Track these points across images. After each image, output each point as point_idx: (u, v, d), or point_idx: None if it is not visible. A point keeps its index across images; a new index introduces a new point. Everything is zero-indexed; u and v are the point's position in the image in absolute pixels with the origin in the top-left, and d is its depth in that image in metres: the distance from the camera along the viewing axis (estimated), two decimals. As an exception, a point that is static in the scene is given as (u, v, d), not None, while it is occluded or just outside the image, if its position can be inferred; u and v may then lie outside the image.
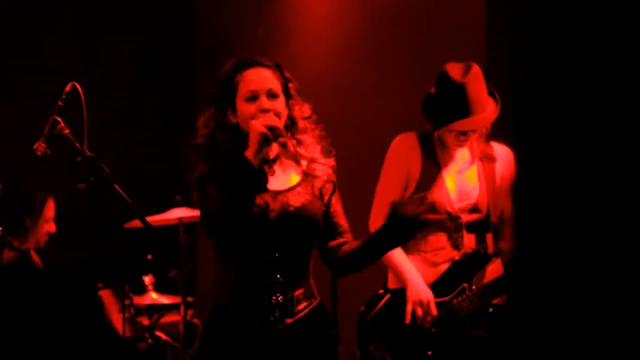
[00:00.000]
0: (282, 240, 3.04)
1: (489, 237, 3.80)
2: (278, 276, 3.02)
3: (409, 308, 3.75)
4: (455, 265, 3.77)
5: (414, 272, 3.78)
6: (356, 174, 5.15)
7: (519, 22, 5.25)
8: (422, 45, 5.45)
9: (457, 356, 3.75)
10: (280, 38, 6.36)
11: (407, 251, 3.86)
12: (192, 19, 6.89)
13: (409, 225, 2.92)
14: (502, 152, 3.88)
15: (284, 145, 3.00)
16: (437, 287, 3.78)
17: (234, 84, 3.06)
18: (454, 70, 3.72)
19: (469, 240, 3.79)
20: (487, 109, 3.71)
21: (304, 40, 6.24)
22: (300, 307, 3.07)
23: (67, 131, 3.01)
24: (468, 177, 3.82)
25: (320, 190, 3.15)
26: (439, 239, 3.80)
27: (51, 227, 5.20)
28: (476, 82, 3.69)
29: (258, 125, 2.96)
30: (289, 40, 6.32)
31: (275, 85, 3.08)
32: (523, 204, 4.60)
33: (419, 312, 3.72)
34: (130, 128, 6.07)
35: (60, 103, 3.03)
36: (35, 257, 5.05)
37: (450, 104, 3.71)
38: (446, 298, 3.77)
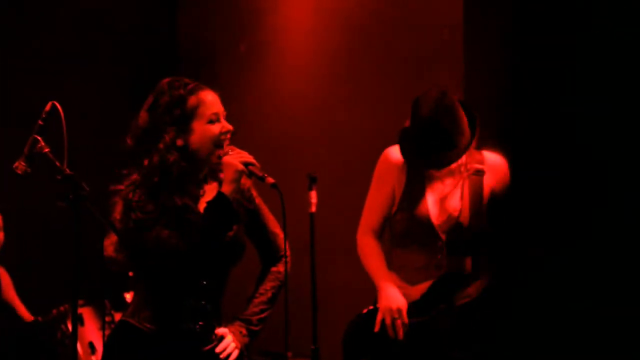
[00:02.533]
0: (212, 267, 3.05)
1: (469, 258, 3.79)
2: (201, 302, 3.03)
3: (379, 317, 3.74)
4: (435, 285, 3.76)
5: (388, 280, 3.76)
6: (339, 190, 5.17)
7: (498, 37, 5.30)
8: (403, 61, 5.48)
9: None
10: (262, 55, 6.38)
11: (389, 268, 3.86)
12: (176, 38, 6.90)
13: None
14: (493, 162, 3.83)
15: (262, 180, 2.99)
16: (417, 306, 3.76)
17: (188, 105, 3.02)
18: (425, 102, 3.63)
19: (449, 260, 3.79)
20: (458, 143, 3.66)
21: (286, 56, 6.27)
22: (214, 336, 3.09)
23: (47, 150, 3.01)
24: (452, 196, 3.81)
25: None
26: (420, 258, 3.80)
27: None
28: (446, 116, 3.61)
29: (235, 163, 2.96)
30: (270, 58, 6.34)
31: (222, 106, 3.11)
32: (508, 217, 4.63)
33: (387, 319, 3.70)
34: (111, 147, 6.06)
35: (40, 122, 3.05)
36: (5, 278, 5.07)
37: (419, 141, 3.67)
38: (426, 317, 3.76)
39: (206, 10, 6.73)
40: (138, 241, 2.95)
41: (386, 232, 3.90)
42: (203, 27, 6.82)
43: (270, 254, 3.26)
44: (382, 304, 3.73)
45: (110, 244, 3.09)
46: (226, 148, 3.03)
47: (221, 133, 3.03)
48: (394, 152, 3.83)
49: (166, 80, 3.10)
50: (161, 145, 3.00)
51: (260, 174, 2.98)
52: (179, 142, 3.01)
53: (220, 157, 3.01)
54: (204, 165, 3.07)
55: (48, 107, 3.04)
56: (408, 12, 5.45)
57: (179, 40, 6.89)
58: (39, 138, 3.02)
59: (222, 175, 3.02)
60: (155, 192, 2.97)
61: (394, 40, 5.55)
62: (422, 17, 5.39)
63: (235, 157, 2.98)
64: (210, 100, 3.05)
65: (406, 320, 3.68)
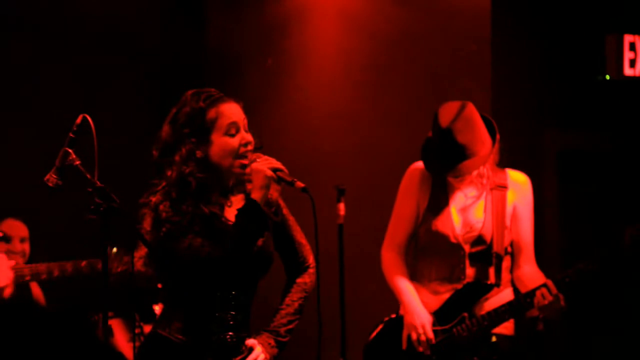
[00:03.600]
0: (242, 278, 3.06)
1: (491, 269, 3.81)
2: (231, 313, 3.04)
3: (405, 333, 3.76)
4: (456, 295, 3.78)
5: (413, 296, 3.79)
6: (366, 202, 5.17)
7: (526, 49, 5.29)
8: (430, 73, 5.48)
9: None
10: (289, 69, 6.40)
11: (411, 278, 3.88)
12: (202, 49, 6.93)
13: None
14: (516, 180, 3.88)
15: (291, 184, 3.01)
16: (438, 315, 3.79)
17: (207, 117, 3.02)
18: (445, 114, 3.72)
19: (472, 271, 3.80)
20: (478, 152, 3.70)
21: (312, 70, 6.28)
22: (244, 347, 3.09)
23: (78, 162, 3.03)
24: (475, 209, 3.83)
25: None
26: (442, 269, 3.82)
27: (16, 247, 5.19)
28: (465, 126, 3.68)
29: (264, 169, 2.97)
30: (297, 71, 6.36)
31: (245, 117, 3.10)
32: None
33: (413, 336, 3.73)
34: (141, 159, 6.09)
35: (71, 135, 3.07)
36: (36, 290, 5.06)
37: (439, 151, 3.73)
38: (447, 326, 3.78)
39: (233, 24, 6.75)
40: (169, 251, 2.96)
41: (411, 245, 3.92)
42: (230, 41, 6.85)
43: (296, 265, 3.27)
44: (407, 320, 3.75)
45: (139, 257, 3.10)
46: (253, 156, 3.04)
47: (240, 145, 3.04)
48: (419, 166, 3.87)
49: (190, 92, 3.11)
50: (177, 158, 3.01)
51: (290, 179, 2.99)
52: (199, 154, 3.01)
53: (243, 168, 3.02)
54: (227, 176, 3.08)
55: (79, 120, 3.06)
56: (436, 24, 5.46)
57: (206, 53, 6.92)
58: (70, 150, 3.05)
59: (249, 185, 3.02)
60: (179, 203, 2.99)
61: (421, 53, 5.55)
62: (450, 29, 5.40)
63: (263, 164, 2.99)
64: (229, 111, 3.05)
65: (431, 335, 3.70)
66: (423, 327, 3.72)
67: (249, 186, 3.04)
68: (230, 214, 3.06)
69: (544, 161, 5.42)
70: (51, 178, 3.06)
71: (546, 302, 3.62)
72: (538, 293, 3.63)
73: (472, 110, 3.72)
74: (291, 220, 3.25)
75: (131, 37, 6.47)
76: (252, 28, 6.63)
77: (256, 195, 2.97)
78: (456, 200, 3.83)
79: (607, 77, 5.26)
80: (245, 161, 3.02)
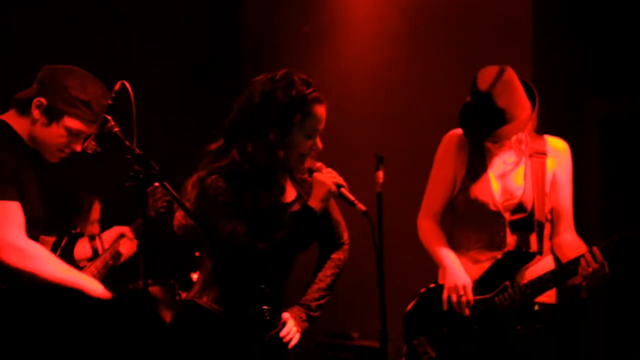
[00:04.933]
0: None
1: (533, 236, 3.77)
2: (269, 287, 3.03)
3: (445, 295, 3.74)
4: (497, 263, 3.75)
5: (455, 261, 3.76)
6: (405, 170, 5.15)
7: (567, 15, 5.21)
8: (467, 41, 5.42)
9: (500, 353, 3.73)
10: (325, 38, 6.36)
11: (451, 247, 3.85)
12: (239, 20, 6.92)
13: None
14: (555, 147, 3.83)
15: (352, 205, 3.00)
16: (479, 285, 3.76)
17: (301, 112, 3.00)
18: (484, 78, 3.66)
19: (512, 239, 3.77)
20: (518, 117, 3.65)
21: (349, 37, 6.24)
22: (278, 322, 3.10)
23: (117, 129, 3.02)
24: (514, 176, 3.79)
25: None
26: (482, 237, 3.79)
27: (95, 229, 5.21)
28: (505, 90, 3.62)
29: (328, 182, 2.99)
30: (334, 39, 6.32)
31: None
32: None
33: (454, 297, 3.70)
34: (178, 128, 6.11)
35: (109, 101, 3.06)
36: None
37: (477, 115, 3.69)
38: (488, 295, 3.75)
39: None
40: (211, 230, 2.95)
41: (448, 213, 3.89)
42: (266, 9, 6.82)
43: (331, 241, 3.27)
44: (448, 281, 3.73)
45: (182, 214, 3.09)
46: (316, 165, 3.05)
47: (310, 149, 3.04)
48: (455, 133, 3.84)
49: (293, 74, 3.06)
50: (253, 138, 2.99)
51: (351, 199, 3.00)
52: (277, 143, 3.00)
53: (309, 171, 3.04)
54: (288, 169, 3.09)
55: (117, 86, 3.04)
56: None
57: (242, 22, 6.91)
58: (109, 117, 3.03)
59: (312, 192, 3.03)
60: (237, 184, 2.97)
61: (460, 20, 5.49)
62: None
63: (327, 177, 3.00)
64: (319, 115, 3.03)
65: (471, 297, 3.68)
66: (464, 288, 3.69)
67: (311, 192, 3.04)
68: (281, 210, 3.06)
69: (586, 129, 5.35)
70: (90, 145, 3.06)
71: (590, 269, 3.56)
72: (582, 260, 3.58)
73: (511, 75, 3.67)
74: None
75: (168, 8, 6.48)
76: (288, -4, 6.61)
77: (315, 205, 2.98)
78: (495, 167, 3.79)
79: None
80: (305, 165, 3.05)
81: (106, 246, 3.88)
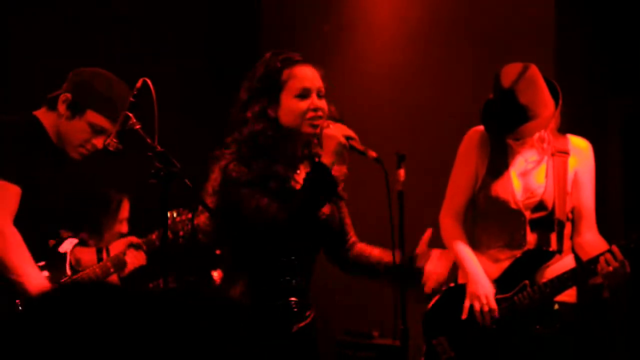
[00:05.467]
0: (307, 245, 3.07)
1: (553, 235, 3.74)
2: (295, 278, 3.04)
3: (467, 303, 3.72)
4: (517, 262, 3.73)
5: (477, 266, 3.74)
6: (423, 170, 5.12)
7: (590, 13, 5.17)
8: (489, 40, 5.39)
9: (519, 352, 3.71)
10: (345, 35, 6.34)
11: (471, 245, 3.84)
12: (258, 16, 6.91)
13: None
14: (578, 146, 3.81)
15: (364, 154, 2.98)
16: (499, 283, 3.75)
17: (281, 78, 3.03)
18: (507, 74, 3.65)
19: (533, 238, 3.75)
20: (541, 114, 3.62)
21: (369, 36, 6.23)
22: (307, 313, 3.09)
23: (138, 126, 3.03)
24: (536, 174, 3.77)
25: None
26: (502, 236, 3.77)
27: (123, 228, 5.23)
28: (528, 87, 3.60)
29: (337, 135, 2.95)
30: (354, 37, 6.30)
31: (322, 85, 3.08)
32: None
33: (476, 306, 3.69)
34: (198, 125, 6.12)
35: (131, 99, 3.07)
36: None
37: (500, 112, 3.67)
38: (508, 295, 3.73)
39: (290, -10, 6.73)
40: (235, 211, 2.95)
41: (469, 211, 3.87)
42: (287, 7, 6.81)
43: (343, 241, 3.27)
44: (470, 288, 3.71)
45: (201, 211, 3.10)
46: (325, 123, 3.02)
47: (309, 109, 3.01)
48: (478, 130, 3.82)
49: (270, 52, 3.13)
50: (249, 114, 3.02)
51: (362, 148, 2.97)
52: (271, 113, 3.02)
53: (314, 128, 3.00)
54: (298, 139, 3.06)
55: (139, 83, 3.05)
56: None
57: (261, 20, 6.90)
58: (130, 114, 3.04)
59: (320, 150, 3.00)
60: (249, 161, 2.99)
61: (483, 17, 5.46)
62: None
63: (337, 130, 2.96)
64: (302, 75, 3.05)
65: (494, 306, 3.66)
66: (487, 298, 3.68)
67: (319, 151, 3.01)
68: (299, 180, 3.04)
69: (609, 128, 5.31)
70: (112, 142, 3.07)
71: (611, 268, 3.54)
72: (602, 259, 3.56)
73: (535, 72, 3.65)
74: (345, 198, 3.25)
75: (188, 7, 6.48)
76: (308, -6, 6.59)
77: (327, 160, 2.95)
78: (516, 165, 3.77)
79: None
80: (315, 122, 3.00)
81: (112, 255, 3.89)
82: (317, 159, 3.01)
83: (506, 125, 3.67)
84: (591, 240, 3.77)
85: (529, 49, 5.09)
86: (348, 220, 3.26)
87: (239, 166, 2.98)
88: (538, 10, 5.16)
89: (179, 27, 6.42)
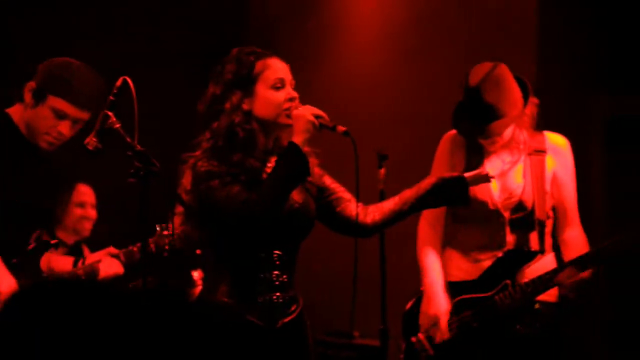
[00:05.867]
0: (284, 237, 3.05)
1: (534, 235, 3.75)
2: (276, 273, 3.02)
3: (420, 320, 3.75)
4: (498, 262, 3.74)
5: (437, 281, 3.75)
6: (405, 170, 5.12)
7: (572, 9, 5.17)
8: (472, 40, 5.40)
9: (499, 352, 3.71)
10: (328, 33, 6.34)
11: (450, 246, 3.84)
12: (243, 13, 6.90)
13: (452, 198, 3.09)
14: (555, 143, 3.81)
15: (333, 130, 2.99)
16: (480, 283, 3.76)
17: (255, 69, 3.03)
18: (475, 73, 3.66)
19: (512, 238, 3.75)
20: (508, 113, 3.62)
21: (352, 34, 6.22)
22: (293, 307, 3.08)
23: (118, 125, 3.02)
24: (513, 174, 3.77)
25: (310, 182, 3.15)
26: (483, 236, 3.77)
27: (88, 213, 5.16)
28: (495, 86, 3.61)
29: (305, 114, 2.96)
30: (337, 35, 6.30)
31: (292, 77, 3.10)
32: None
33: (425, 325, 3.72)
34: (179, 124, 6.10)
35: (111, 97, 3.05)
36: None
37: (467, 111, 3.68)
38: (489, 294, 3.74)
39: (273, -12, 6.72)
40: (209, 203, 2.94)
41: (449, 212, 3.87)
42: (271, 4, 6.80)
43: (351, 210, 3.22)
44: (422, 307, 3.75)
45: (178, 214, 3.09)
46: (294, 105, 3.03)
47: (285, 100, 3.02)
48: (451, 135, 3.84)
49: (237, 48, 3.12)
50: (227, 106, 3.01)
51: (331, 125, 2.99)
52: (245, 106, 3.02)
53: (289, 118, 3.00)
54: (273, 130, 3.06)
55: (119, 82, 3.04)
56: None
57: (246, 17, 6.89)
58: (110, 113, 3.03)
59: (293, 128, 3.00)
60: (223, 155, 2.98)
61: (463, 18, 5.47)
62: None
63: (305, 110, 2.98)
64: (276, 66, 3.05)
65: (443, 327, 3.67)
66: (436, 318, 3.69)
67: (290, 130, 3.02)
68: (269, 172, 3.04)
69: (591, 127, 5.32)
70: (91, 141, 3.05)
71: (570, 281, 3.57)
72: (567, 270, 3.58)
73: (503, 71, 3.66)
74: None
75: (171, 3, 6.46)
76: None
77: (297, 139, 2.95)
78: (493, 166, 3.77)
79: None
80: (290, 112, 3.01)
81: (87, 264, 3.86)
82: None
83: (473, 124, 3.67)
84: (574, 236, 3.77)
85: (512, 49, 5.09)
86: (347, 195, 3.23)
87: (208, 161, 2.98)
88: (520, 10, 5.16)
89: (161, 25, 6.40)
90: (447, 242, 3.88)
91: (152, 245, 3.93)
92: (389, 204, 3.15)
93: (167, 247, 3.92)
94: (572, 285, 3.58)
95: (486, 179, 3.19)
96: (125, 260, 3.85)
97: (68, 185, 5.08)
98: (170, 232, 3.91)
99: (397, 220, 3.20)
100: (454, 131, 3.85)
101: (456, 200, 3.12)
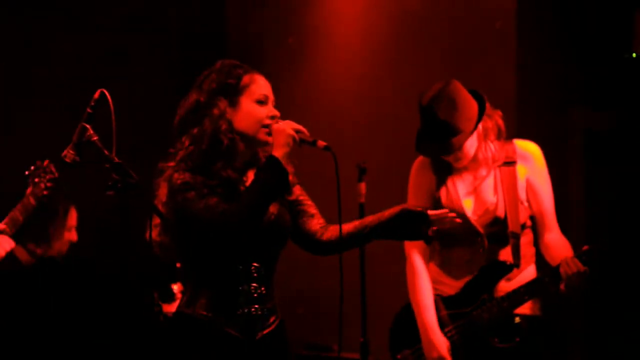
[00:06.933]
0: (262, 249, 3.04)
1: (506, 250, 3.75)
2: (255, 286, 3.01)
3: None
4: (475, 277, 3.74)
5: (432, 320, 3.75)
6: (388, 181, 5.12)
7: (551, 23, 5.20)
8: (452, 51, 5.41)
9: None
10: (311, 48, 6.34)
11: (433, 262, 3.85)
12: (223, 28, 6.90)
13: (414, 234, 3.01)
14: (525, 150, 3.80)
15: (313, 144, 2.99)
16: (458, 299, 3.76)
17: (242, 82, 3.04)
18: (426, 93, 3.68)
19: (493, 253, 3.75)
20: (464, 129, 3.62)
21: (334, 49, 6.23)
22: (271, 320, 3.07)
23: (95, 138, 3.00)
24: (486, 189, 3.77)
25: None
26: (464, 254, 3.77)
27: (73, 236, 5.17)
28: (448, 103, 3.62)
29: (286, 128, 2.96)
30: (319, 50, 6.31)
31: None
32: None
33: None
34: (160, 136, 6.09)
35: (88, 110, 3.03)
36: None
37: (423, 131, 3.69)
38: (467, 309, 3.74)
39: (254, 3, 6.71)
40: (186, 215, 2.93)
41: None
42: (251, 20, 6.80)
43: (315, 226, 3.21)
44: (425, 352, 3.75)
45: (155, 225, 3.07)
46: (273, 121, 3.03)
47: (267, 116, 3.03)
48: (420, 161, 3.85)
49: (220, 61, 3.13)
50: (215, 111, 3.01)
51: (311, 140, 2.98)
52: (228, 116, 3.02)
53: (269, 135, 3.00)
54: (251, 145, 3.06)
55: (97, 95, 3.02)
56: (460, 0, 5.38)
57: (227, 32, 6.89)
58: (88, 126, 3.01)
59: (271, 141, 2.99)
60: (201, 163, 2.98)
61: (444, 30, 5.49)
62: (474, 5, 5.32)
63: (285, 124, 2.99)
64: (263, 82, 3.07)
65: None
66: (441, 359, 3.70)
67: (270, 141, 3.01)
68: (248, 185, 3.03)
69: (570, 140, 5.34)
70: (68, 154, 3.03)
71: (574, 270, 3.55)
72: (561, 269, 3.57)
73: (455, 87, 3.66)
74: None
75: (152, 14, 6.45)
76: (272, 6, 6.58)
77: (277, 152, 2.94)
78: (465, 183, 3.77)
79: (634, 54, 5.16)
80: (267, 131, 3.01)
81: None
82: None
83: (430, 142, 3.67)
84: (554, 240, 3.76)
85: (491, 59, 5.12)
86: (312, 210, 3.21)
87: (184, 173, 2.97)
88: (500, 20, 5.19)
89: (141, 38, 6.39)
90: (431, 258, 3.87)
91: (30, 199, 3.92)
92: (349, 226, 3.12)
93: (45, 192, 3.92)
94: (570, 278, 3.56)
95: (452, 220, 3.10)
96: (12, 228, 3.83)
97: (64, 207, 5.08)
98: (45, 175, 3.90)
99: (357, 244, 3.16)
100: (420, 158, 3.87)
101: (417, 235, 3.06)
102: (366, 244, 3.20)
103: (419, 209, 3.03)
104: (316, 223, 3.17)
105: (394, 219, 3.04)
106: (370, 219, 3.10)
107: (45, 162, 4.02)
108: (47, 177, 4.01)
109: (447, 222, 3.08)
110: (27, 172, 3.96)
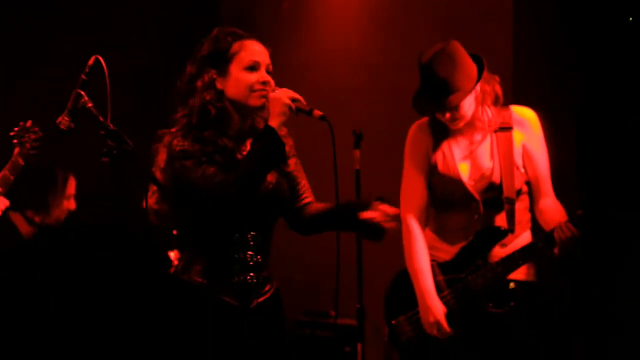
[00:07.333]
0: (258, 218, 3.05)
1: (501, 215, 3.76)
2: (250, 254, 3.01)
3: (425, 327, 3.76)
4: (470, 243, 3.75)
5: (430, 287, 3.75)
6: (384, 147, 5.12)
7: (548, 9, 5.18)
8: (451, 17, 5.40)
9: (474, 331, 3.73)
10: (305, 12, 6.32)
11: (430, 228, 3.85)
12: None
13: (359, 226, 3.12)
14: (522, 116, 3.80)
15: (309, 114, 2.98)
16: (453, 264, 3.78)
17: (231, 50, 3.04)
18: (427, 51, 3.68)
19: (488, 219, 3.76)
20: (462, 87, 3.61)
21: (329, 13, 6.21)
22: (267, 288, 3.08)
23: (90, 105, 3.00)
24: (482, 154, 3.77)
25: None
26: (460, 220, 3.78)
27: (71, 205, 5.19)
28: (446, 61, 3.61)
29: (282, 97, 2.95)
30: (313, 14, 6.28)
31: (270, 62, 3.10)
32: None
33: (432, 332, 3.73)
34: (154, 102, 6.07)
35: (83, 76, 3.03)
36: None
37: (422, 89, 3.70)
38: (462, 275, 3.75)
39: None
40: (184, 183, 2.92)
41: (430, 196, 3.87)
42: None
43: (301, 200, 3.25)
44: (422, 316, 3.76)
45: (152, 194, 3.08)
46: (270, 89, 3.02)
47: (257, 82, 3.01)
48: (416, 125, 3.86)
49: (217, 28, 3.12)
50: (199, 84, 3.01)
51: (307, 108, 2.99)
52: (219, 85, 3.03)
53: (262, 98, 3.00)
54: (246, 112, 3.05)
55: (91, 61, 3.02)
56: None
57: (221, 1, 6.86)
58: (82, 92, 3.01)
59: (260, 104, 3.02)
60: (198, 131, 2.99)
61: (441, 3, 5.46)
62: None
63: (282, 93, 2.97)
64: (252, 48, 3.06)
65: (446, 328, 3.71)
66: (438, 324, 3.72)
67: (267, 115, 3.01)
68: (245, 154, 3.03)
69: (566, 115, 5.32)
70: (63, 121, 3.03)
71: (568, 235, 3.57)
72: (555, 234, 3.59)
73: (454, 47, 3.67)
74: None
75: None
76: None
77: (273, 122, 2.95)
78: (460, 148, 3.77)
79: (630, 19, 5.13)
80: (263, 94, 3.01)
81: None
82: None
83: (428, 100, 3.67)
84: (549, 205, 3.77)
85: (489, 27, 5.10)
86: (304, 182, 3.25)
87: (183, 140, 2.98)
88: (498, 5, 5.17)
89: (135, 6, 6.36)
90: (426, 224, 3.88)
91: (19, 159, 3.96)
92: (320, 205, 3.20)
93: (32, 152, 3.96)
94: (564, 242, 3.58)
95: (365, 204, 3.17)
96: (4, 187, 3.86)
97: (64, 176, 5.09)
98: (30, 128, 3.93)
99: (326, 225, 3.21)
100: (417, 122, 3.86)
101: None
102: (332, 230, 3.21)
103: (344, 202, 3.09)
104: (301, 199, 3.20)
105: (336, 211, 3.09)
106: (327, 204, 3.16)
107: (29, 123, 4.07)
108: (32, 136, 4.07)
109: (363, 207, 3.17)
110: (11, 133, 4.00)
